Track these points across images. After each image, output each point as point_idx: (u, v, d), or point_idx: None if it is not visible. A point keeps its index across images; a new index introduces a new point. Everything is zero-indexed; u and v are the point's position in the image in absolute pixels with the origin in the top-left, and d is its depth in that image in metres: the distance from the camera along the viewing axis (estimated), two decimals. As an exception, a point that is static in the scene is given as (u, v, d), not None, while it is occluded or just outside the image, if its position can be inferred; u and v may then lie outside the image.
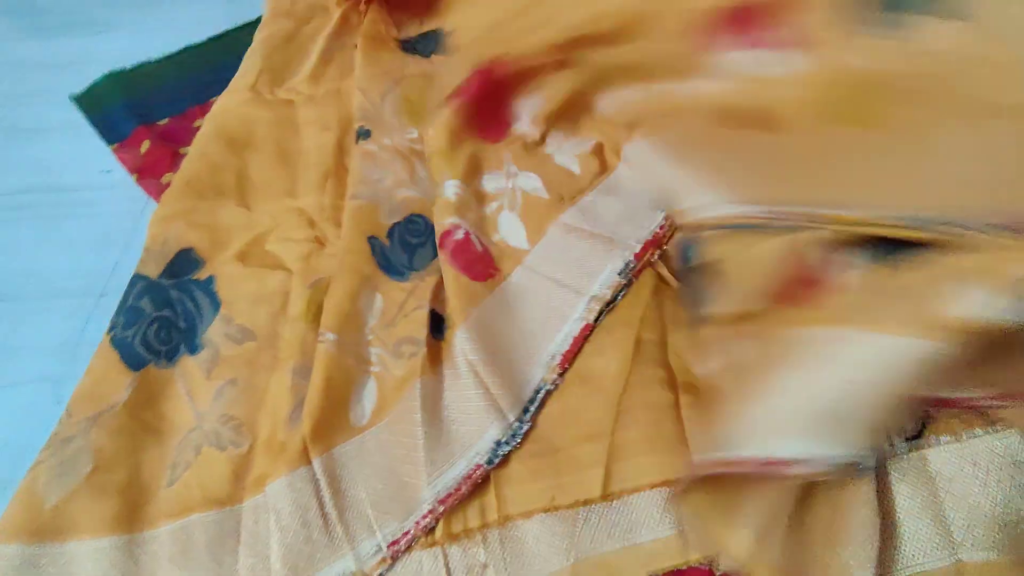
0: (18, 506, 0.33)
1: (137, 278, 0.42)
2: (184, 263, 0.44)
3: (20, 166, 0.57)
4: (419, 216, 0.44)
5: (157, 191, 0.52)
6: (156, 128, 0.58)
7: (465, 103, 0.46)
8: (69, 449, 0.35)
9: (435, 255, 0.42)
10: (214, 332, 0.41)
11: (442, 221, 0.41)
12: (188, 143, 0.56)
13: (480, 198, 0.44)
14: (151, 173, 0.54)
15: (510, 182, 0.44)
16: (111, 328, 0.40)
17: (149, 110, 0.60)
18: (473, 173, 0.44)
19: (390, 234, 0.43)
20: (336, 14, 0.61)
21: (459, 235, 0.40)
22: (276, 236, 0.45)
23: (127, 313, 0.41)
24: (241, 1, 0.72)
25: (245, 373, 0.39)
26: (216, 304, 0.42)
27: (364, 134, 0.48)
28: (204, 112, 0.60)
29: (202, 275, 0.43)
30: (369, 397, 0.37)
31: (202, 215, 0.46)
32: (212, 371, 0.39)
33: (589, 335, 0.37)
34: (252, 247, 0.45)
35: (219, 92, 0.63)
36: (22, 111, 0.63)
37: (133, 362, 0.39)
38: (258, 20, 0.70)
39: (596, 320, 0.37)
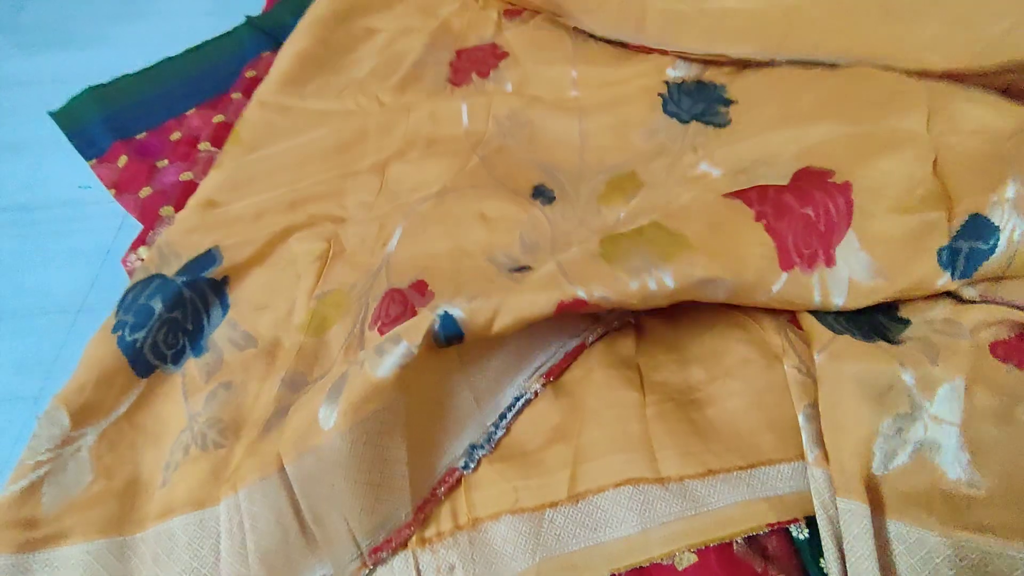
0: (13, 515, 0.33)
1: (154, 277, 0.42)
2: (203, 261, 0.43)
3: (-1, 183, 0.58)
4: None
5: (134, 206, 0.52)
6: (133, 143, 0.58)
7: None
8: (70, 460, 0.35)
9: None
10: (219, 335, 0.41)
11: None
12: (164, 157, 0.57)
13: None
14: (128, 188, 0.54)
15: None
16: (118, 327, 0.38)
17: (126, 124, 0.60)
18: None
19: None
20: (447, 26, 0.62)
21: None
22: (299, 235, 0.45)
23: (137, 312, 0.39)
24: (221, 13, 0.73)
25: (240, 377, 0.39)
26: (225, 307, 0.42)
27: (547, 197, 0.46)
28: (181, 124, 0.61)
29: (217, 274, 0.43)
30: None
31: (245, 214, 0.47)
32: (212, 375, 0.39)
33: (581, 353, 0.37)
34: (271, 246, 0.44)
35: (196, 103, 0.63)
36: (2, 128, 0.63)
37: (142, 369, 0.38)
38: (234, 31, 0.71)
39: (592, 342, 0.38)
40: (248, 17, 0.71)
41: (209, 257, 0.43)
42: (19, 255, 0.52)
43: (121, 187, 0.54)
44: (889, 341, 0.35)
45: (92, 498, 0.34)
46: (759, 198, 0.38)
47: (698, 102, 0.52)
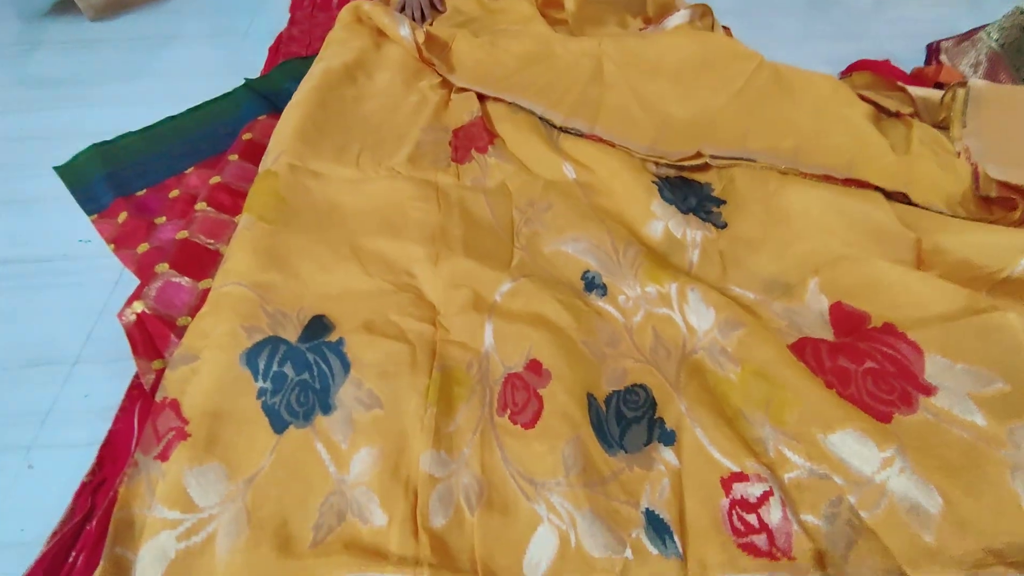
0: (195, 564, 0.37)
1: (277, 340, 0.47)
2: (317, 328, 0.48)
3: (2, 237, 0.61)
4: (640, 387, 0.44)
5: (132, 261, 0.56)
6: (133, 199, 0.62)
7: None
8: (232, 511, 0.39)
9: (648, 439, 0.42)
10: (345, 394, 0.44)
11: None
12: (163, 214, 0.61)
13: None
14: (127, 244, 0.57)
15: None
16: (260, 394, 0.44)
17: (127, 181, 0.64)
18: None
19: (608, 400, 0.44)
20: (432, 103, 0.68)
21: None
22: (397, 310, 0.49)
23: (274, 379, 0.45)
24: (221, 74, 0.78)
25: (378, 442, 0.42)
26: (346, 365, 0.46)
27: (598, 288, 0.50)
28: (180, 183, 0.65)
29: (333, 338, 0.47)
30: (546, 551, 0.37)
31: (332, 282, 0.51)
32: (348, 436, 0.42)
33: None
34: (376, 316, 0.49)
35: (195, 163, 0.68)
36: (8, 183, 0.67)
37: (278, 426, 0.43)
38: (233, 93, 0.76)
39: None
40: (246, 80, 0.77)
41: (323, 326, 0.48)
42: (17, 306, 0.54)
43: (120, 243, 0.58)
44: None
45: (249, 547, 0.37)
46: (818, 366, 0.43)
47: (689, 196, 0.58)
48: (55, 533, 0.39)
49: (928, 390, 0.40)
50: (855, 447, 0.38)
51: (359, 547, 0.38)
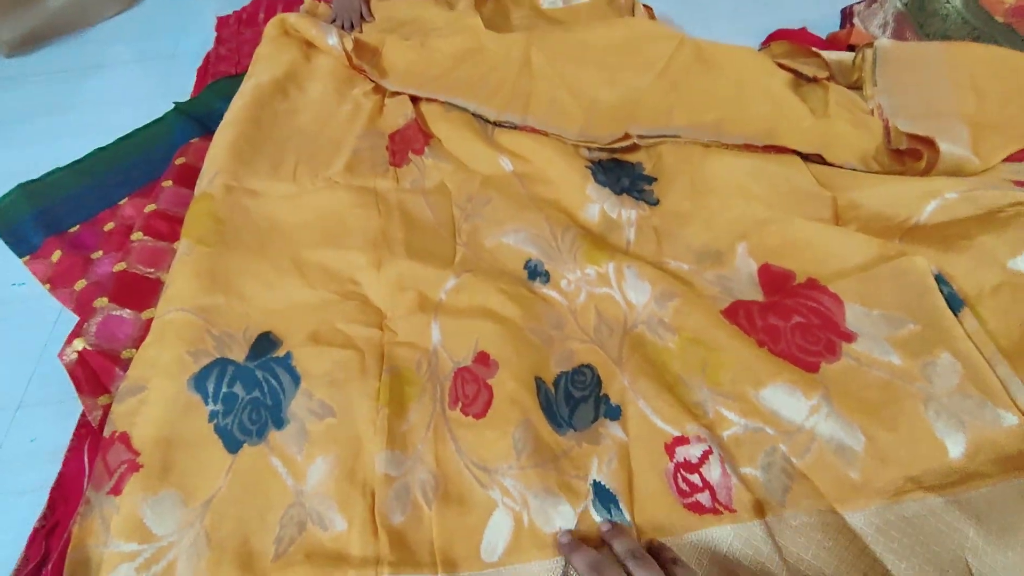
0: None
1: (225, 362, 0.47)
2: (265, 345, 0.48)
3: (-70, 288, 0.59)
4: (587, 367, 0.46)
5: (70, 299, 0.55)
6: (67, 236, 0.61)
7: None
8: (191, 535, 0.39)
9: (596, 416, 0.43)
10: (297, 407, 0.45)
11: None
12: (99, 248, 0.60)
13: None
14: (63, 282, 0.56)
15: None
16: (212, 417, 0.44)
17: (59, 218, 0.63)
18: None
19: (556, 382, 0.45)
20: (366, 110, 0.68)
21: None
22: (343, 318, 0.49)
23: (224, 400, 0.45)
24: (153, 98, 0.76)
25: (333, 450, 0.42)
26: (296, 378, 0.46)
27: (541, 275, 0.52)
28: (115, 215, 0.64)
29: (280, 353, 0.48)
30: (502, 534, 0.38)
31: (276, 298, 0.51)
32: (303, 448, 0.43)
33: None
34: (322, 326, 0.49)
35: (128, 193, 0.66)
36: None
37: (231, 446, 0.43)
38: (164, 118, 0.75)
39: None
40: (176, 103, 0.75)
41: (268, 342, 0.48)
42: (-46, 358, 0.53)
43: (56, 282, 0.57)
44: None
45: (211, 570, 0.38)
46: (751, 326, 0.45)
47: (622, 177, 0.59)
48: (10, 581, 0.38)
49: (849, 337, 0.43)
50: (785, 399, 0.40)
51: (321, 555, 0.38)
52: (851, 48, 0.72)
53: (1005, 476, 0.35)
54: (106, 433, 0.44)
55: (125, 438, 0.43)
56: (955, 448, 0.36)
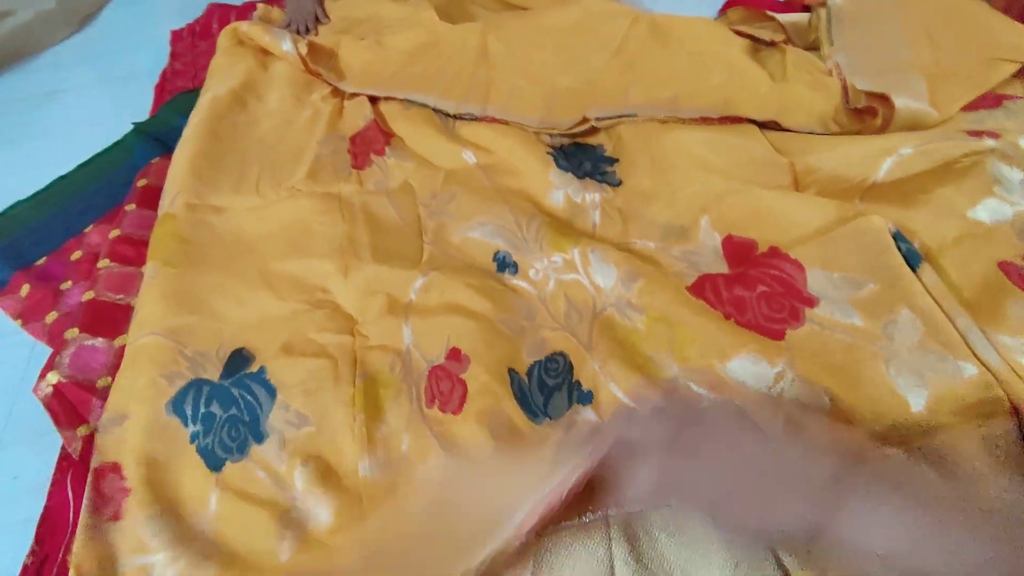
0: None
1: (200, 383, 0.47)
2: (238, 362, 0.48)
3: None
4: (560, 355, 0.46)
5: (43, 333, 0.55)
6: (34, 269, 0.61)
7: None
8: (193, 551, 0.40)
9: (569, 403, 0.43)
10: (275, 419, 0.45)
11: None
12: (68, 278, 0.59)
13: None
14: (34, 316, 0.56)
15: None
16: (192, 438, 0.45)
17: (24, 252, 0.62)
18: None
19: (529, 372, 0.45)
20: (325, 115, 0.67)
21: None
22: (314, 327, 0.50)
23: (203, 421, 0.45)
24: (113, 121, 0.75)
25: (315, 456, 0.43)
26: (272, 391, 0.46)
27: (510, 267, 0.51)
28: (81, 243, 0.63)
29: (254, 368, 0.48)
30: None
31: (247, 313, 0.51)
32: (285, 459, 0.43)
33: None
34: (294, 337, 0.49)
35: (93, 220, 0.66)
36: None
37: (214, 465, 0.44)
38: (123, 140, 0.74)
39: None
40: (135, 124, 0.74)
41: (241, 358, 0.49)
42: (-70, 401, 0.53)
43: (27, 316, 0.56)
44: None
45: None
46: (717, 299, 0.45)
47: (584, 161, 0.59)
48: (5, 618, 0.39)
49: (812, 302, 0.43)
50: (750, 368, 0.40)
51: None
52: (807, 9, 0.71)
53: (966, 425, 0.35)
54: (95, 463, 0.44)
55: (117, 468, 0.44)
56: (916, 402, 0.37)
